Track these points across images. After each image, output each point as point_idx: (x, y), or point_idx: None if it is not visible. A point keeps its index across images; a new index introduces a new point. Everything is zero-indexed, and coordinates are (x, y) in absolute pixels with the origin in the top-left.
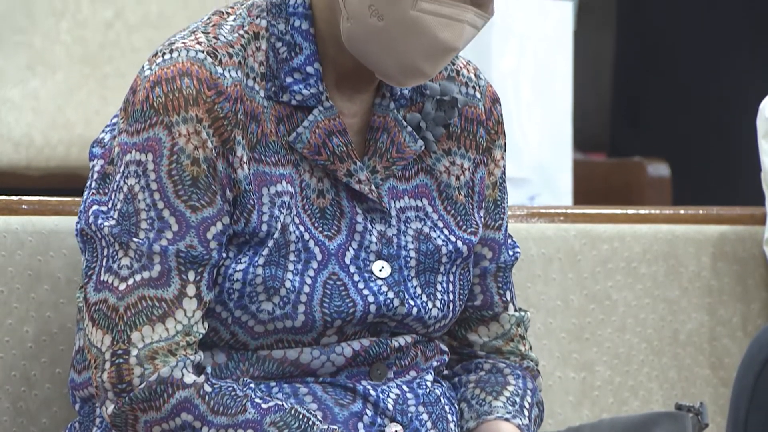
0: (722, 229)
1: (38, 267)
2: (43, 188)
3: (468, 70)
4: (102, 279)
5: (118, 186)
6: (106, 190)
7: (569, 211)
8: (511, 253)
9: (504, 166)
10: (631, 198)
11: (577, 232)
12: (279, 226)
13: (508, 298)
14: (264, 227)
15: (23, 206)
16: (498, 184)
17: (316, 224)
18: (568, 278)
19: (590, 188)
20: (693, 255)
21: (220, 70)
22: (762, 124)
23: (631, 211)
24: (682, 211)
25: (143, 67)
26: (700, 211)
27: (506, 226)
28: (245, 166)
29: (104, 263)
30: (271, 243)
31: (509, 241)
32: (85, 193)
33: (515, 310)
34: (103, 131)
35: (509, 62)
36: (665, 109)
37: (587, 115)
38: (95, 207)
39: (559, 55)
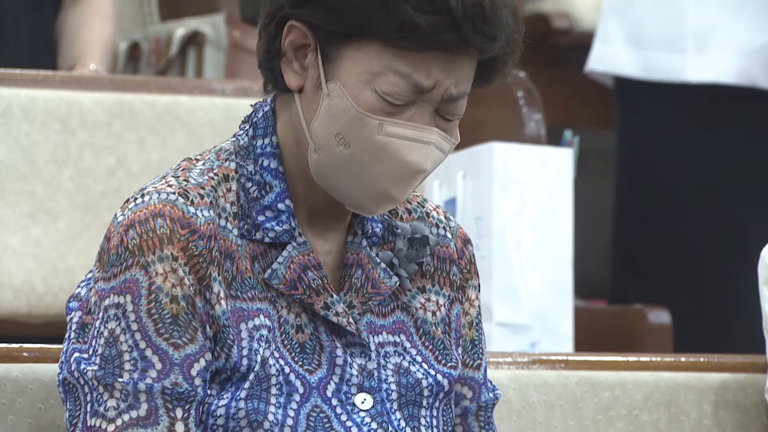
0: (724, 377)
1: (39, 415)
2: (44, 336)
3: (438, 213)
4: (89, 424)
5: (98, 332)
6: (86, 338)
7: (570, 358)
8: (491, 395)
9: (479, 307)
10: (632, 345)
11: (578, 379)
12: (259, 359)
13: None
14: (245, 361)
15: (24, 354)
16: (474, 324)
17: (296, 359)
18: (569, 426)
19: (591, 335)
20: (694, 403)
21: (192, 209)
22: (763, 271)
23: (632, 358)
24: (683, 359)
25: (116, 215)
26: (701, 359)
27: (485, 367)
28: (223, 302)
29: (89, 408)
30: (251, 376)
31: (489, 384)
32: (65, 344)
33: None
34: (79, 286)
35: (510, 209)
36: (665, 256)
37: (587, 262)
38: (76, 354)
39: (559, 202)
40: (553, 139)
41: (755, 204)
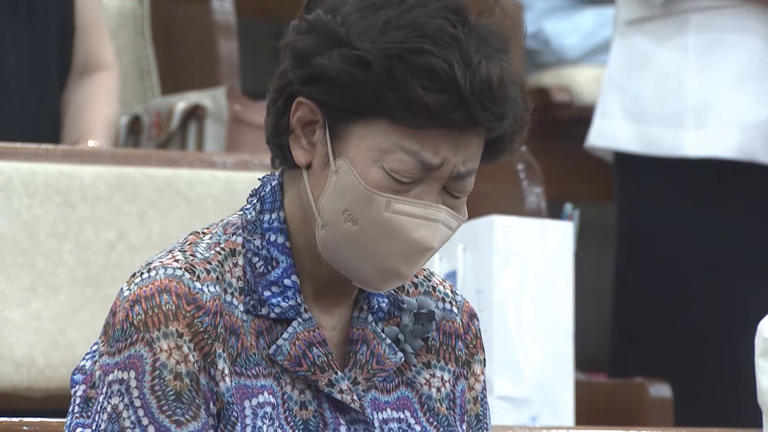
0: None
1: None
2: (44, 410)
3: (444, 287)
4: None
5: (101, 407)
6: (90, 413)
7: (572, 431)
8: None
9: (484, 381)
10: (633, 419)
11: None
12: None
13: None
14: None
15: (24, 428)
16: (479, 399)
17: None
18: None
19: (592, 409)
20: None
21: (198, 285)
22: (760, 343)
23: (633, 431)
24: None
25: (122, 289)
26: None
27: None
28: (227, 379)
29: None
30: None
31: None
32: (68, 418)
33: None
34: (84, 358)
35: (510, 282)
36: (665, 329)
37: (588, 335)
38: (79, 429)
39: (559, 275)
40: (554, 212)
41: (755, 277)
